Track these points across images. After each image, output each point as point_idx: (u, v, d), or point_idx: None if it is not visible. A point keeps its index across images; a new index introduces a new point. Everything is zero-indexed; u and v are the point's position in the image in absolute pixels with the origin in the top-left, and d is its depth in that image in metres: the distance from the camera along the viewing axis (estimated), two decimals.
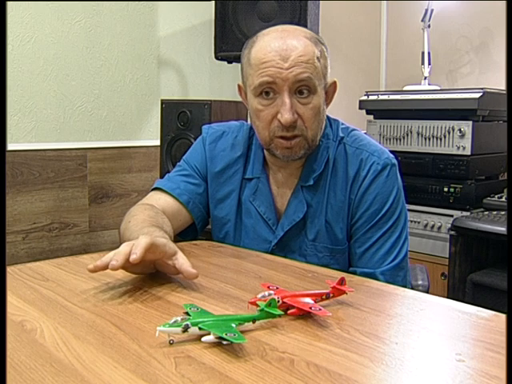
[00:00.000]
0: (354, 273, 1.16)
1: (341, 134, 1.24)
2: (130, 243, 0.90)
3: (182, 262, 0.93)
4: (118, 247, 1.20)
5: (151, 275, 0.99)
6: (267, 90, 1.13)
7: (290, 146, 1.15)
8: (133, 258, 0.86)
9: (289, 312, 0.80)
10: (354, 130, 1.28)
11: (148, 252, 0.89)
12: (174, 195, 1.28)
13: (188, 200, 1.28)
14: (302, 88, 1.12)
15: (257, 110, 1.15)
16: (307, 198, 1.22)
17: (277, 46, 1.12)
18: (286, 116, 1.11)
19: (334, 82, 1.22)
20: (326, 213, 1.21)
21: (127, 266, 0.91)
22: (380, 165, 1.19)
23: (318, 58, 1.14)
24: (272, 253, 1.23)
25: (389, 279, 1.16)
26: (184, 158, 1.36)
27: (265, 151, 1.26)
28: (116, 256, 0.88)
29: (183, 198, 1.28)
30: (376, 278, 1.12)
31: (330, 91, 1.21)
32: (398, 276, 1.19)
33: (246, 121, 1.73)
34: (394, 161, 1.22)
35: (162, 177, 2.27)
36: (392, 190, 1.20)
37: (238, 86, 1.24)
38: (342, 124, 1.28)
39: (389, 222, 1.19)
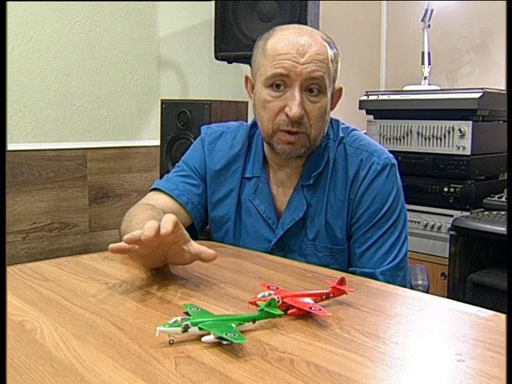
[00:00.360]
0: (354, 273, 1.16)
1: (341, 134, 1.24)
2: (156, 221, 0.90)
3: (197, 246, 0.93)
4: None
5: (151, 275, 0.99)
6: (279, 82, 1.13)
7: (292, 141, 1.15)
8: (163, 231, 0.86)
9: (289, 312, 0.80)
10: (354, 129, 1.28)
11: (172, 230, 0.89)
12: (172, 196, 1.28)
13: (187, 201, 1.28)
14: (312, 86, 1.13)
15: (265, 100, 1.15)
16: (307, 197, 1.22)
17: (295, 40, 1.12)
18: (294, 110, 1.11)
19: (341, 89, 1.22)
20: (325, 212, 1.21)
21: (144, 253, 0.92)
22: (380, 165, 1.19)
23: (331, 60, 1.15)
24: (272, 252, 1.23)
25: (388, 279, 1.16)
26: (183, 158, 1.36)
27: (265, 149, 1.26)
28: (148, 229, 0.87)
29: (182, 199, 1.28)
30: (376, 278, 1.12)
31: (336, 97, 1.22)
32: (398, 276, 1.19)
33: (246, 121, 1.73)
34: (394, 161, 1.22)
35: (161, 177, 2.27)
36: (392, 190, 1.20)
37: (246, 77, 1.25)
38: (343, 124, 1.28)
39: (388, 222, 1.19)
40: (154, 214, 1.15)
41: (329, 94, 1.16)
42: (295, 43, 1.12)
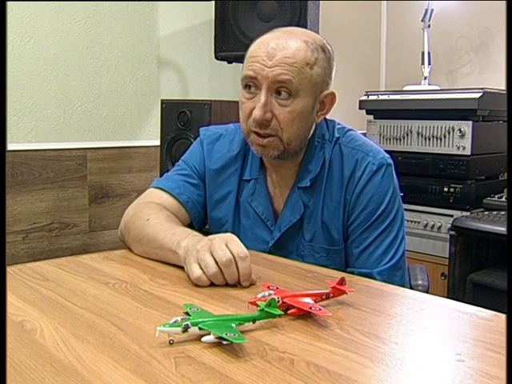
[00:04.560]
0: (352, 273, 1.16)
1: (336, 135, 1.24)
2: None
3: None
4: (118, 247, 1.21)
5: (151, 275, 0.99)
6: (250, 84, 1.14)
7: (262, 144, 1.15)
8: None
9: (289, 312, 0.80)
10: (349, 130, 1.27)
11: None
12: (173, 194, 1.28)
13: (187, 200, 1.28)
14: (280, 89, 1.12)
15: (241, 101, 1.17)
16: (304, 199, 1.22)
17: (269, 44, 1.12)
18: (257, 112, 1.11)
19: (332, 94, 1.19)
20: (322, 213, 1.21)
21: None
22: (375, 165, 1.19)
23: (308, 63, 1.12)
24: (270, 253, 1.23)
25: (386, 279, 1.16)
26: (182, 158, 1.36)
27: None
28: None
29: (183, 198, 1.28)
30: (373, 278, 1.11)
31: (327, 102, 1.19)
32: (396, 276, 1.19)
33: None
34: (390, 161, 1.22)
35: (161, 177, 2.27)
36: (388, 190, 1.19)
37: None
38: (338, 124, 1.27)
39: (385, 222, 1.19)
40: (170, 215, 1.19)
41: (306, 98, 1.13)
42: (268, 46, 1.12)
